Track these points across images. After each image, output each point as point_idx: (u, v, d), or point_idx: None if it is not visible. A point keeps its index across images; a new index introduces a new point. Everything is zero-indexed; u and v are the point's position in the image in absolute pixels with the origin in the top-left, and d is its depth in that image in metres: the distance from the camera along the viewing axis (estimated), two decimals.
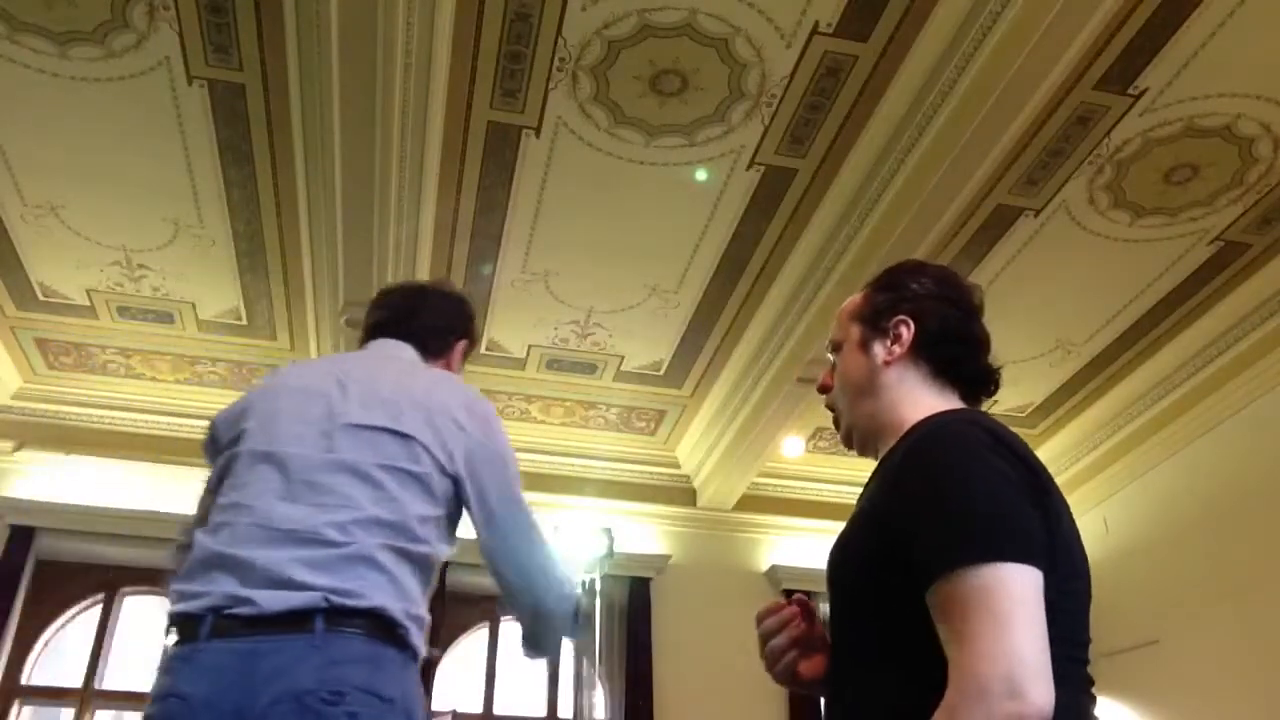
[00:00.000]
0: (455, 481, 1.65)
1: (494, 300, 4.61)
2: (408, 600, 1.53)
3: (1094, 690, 1.10)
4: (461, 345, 1.99)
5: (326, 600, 1.44)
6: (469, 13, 3.12)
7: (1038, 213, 3.99)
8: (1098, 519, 5.56)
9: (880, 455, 1.23)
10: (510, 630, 5.74)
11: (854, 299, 1.35)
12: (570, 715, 4.47)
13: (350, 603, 1.45)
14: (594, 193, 3.91)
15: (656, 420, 5.70)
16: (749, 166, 3.76)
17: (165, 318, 4.81)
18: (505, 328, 4.85)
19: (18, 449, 5.22)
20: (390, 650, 1.49)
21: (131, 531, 4.96)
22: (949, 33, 3.14)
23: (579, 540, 4.19)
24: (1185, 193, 3.89)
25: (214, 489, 1.64)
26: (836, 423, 1.34)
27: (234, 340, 4.96)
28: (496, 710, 5.45)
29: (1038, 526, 1.02)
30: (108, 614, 5.12)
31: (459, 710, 5.39)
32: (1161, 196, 3.90)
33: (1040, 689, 0.91)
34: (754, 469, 5.60)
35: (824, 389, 1.35)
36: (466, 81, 3.38)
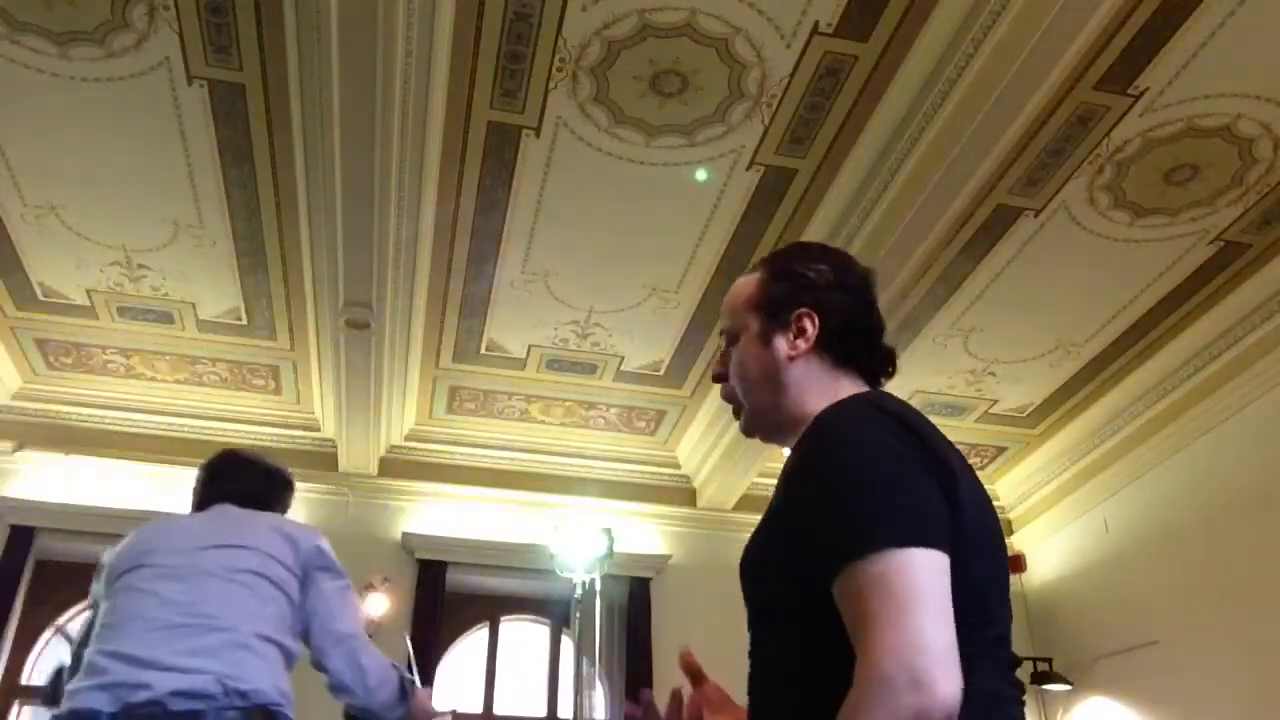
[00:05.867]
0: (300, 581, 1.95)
1: (494, 300, 4.61)
2: (279, 682, 1.75)
3: (1016, 676, 1.05)
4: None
5: (220, 684, 1.63)
6: (469, 13, 3.12)
7: (1038, 213, 3.99)
8: (1098, 519, 5.57)
9: (790, 446, 1.19)
10: (510, 630, 5.75)
11: (746, 285, 1.29)
12: (570, 715, 4.47)
13: (240, 686, 1.65)
14: (594, 193, 3.91)
15: (656, 420, 5.70)
16: (749, 166, 3.76)
17: (165, 318, 4.81)
18: (505, 328, 4.85)
19: (18, 449, 5.22)
20: None
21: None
22: (949, 33, 3.14)
23: (579, 540, 4.19)
24: (1185, 193, 3.89)
25: (92, 622, 1.87)
26: (736, 413, 1.31)
27: (234, 340, 4.96)
28: (496, 710, 5.45)
29: (938, 506, 0.97)
30: None
31: (459, 710, 5.40)
32: (1161, 196, 3.90)
33: (945, 678, 0.85)
34: (754, 469, 5.60)
35: (719, 379, 1.32)
36: (466, 81, 3.38)
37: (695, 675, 1.24)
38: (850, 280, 1.25)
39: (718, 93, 3.42)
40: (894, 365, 1.26)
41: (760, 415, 1.26)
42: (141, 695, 1.57)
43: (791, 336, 1.22)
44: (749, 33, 3.20)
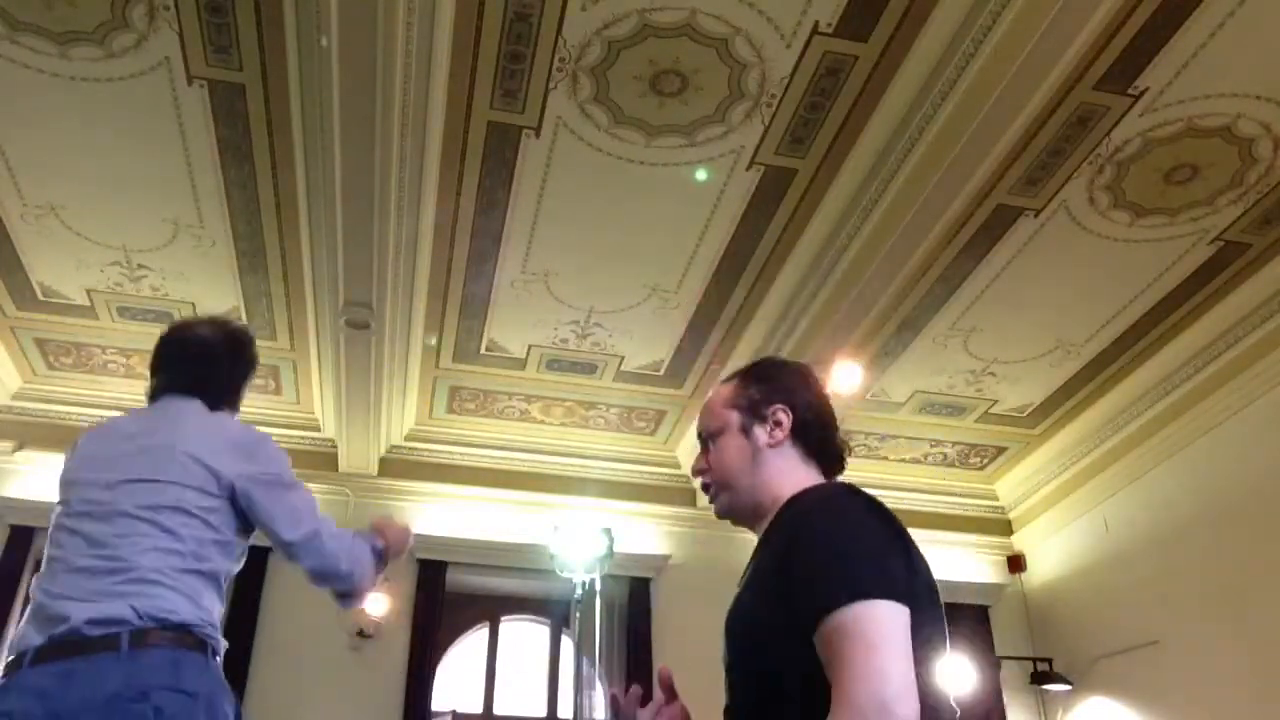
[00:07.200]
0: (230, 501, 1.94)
1: (494, 300, 4.61)
2: (200, 608, 1.81)
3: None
4: (243, 390, 2.28)
5: (133, 609, 1.70)
6: (469, 13, 3.12)
7: (1038, 213, 3.99)
8: (1098, 519, 5.57)
9: (761, 528, 1.38)
10: (510, 630, 5.74)
11: (725, 390, 1.49)
12: (570, 715, 4.47)
13: (155, 612, 1.72)
14: (594, 193, 3.91)
15: (656, 420, 5.70)
16: (749, 166, 3.76)
17: (165, 318, 4.80)
18: (505, 328, 4.85)
19: (18, 449, 5.22)
20: (191, 653, 1.75)
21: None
22: (949, 33, 3.14)
23: (579, 540, 4.19)
24: (1185, 193, 3.89)
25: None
26: (712, 499, 1.47)
27: None
28: (496, 710, 5.45)
29: (902, 571, 1.18)
30: None
31: (459, 710, 5.40)
32: (1161, 196, 3.90)
33: (907, 705, 1.05)
34: None
35: (700, 474, 1.48)
36: (466, 81, 3.38)
37: (669, 693, 1.40)
38: (815, 386, 1.48)
39: (718, 93, 3.42)
40: (844, 463, 1.46)
41: (738, 498, 1.42)
42: (61, 627, 1.70)
43: (769, 428, 1.41)
44: (749, 33, 3.20)
